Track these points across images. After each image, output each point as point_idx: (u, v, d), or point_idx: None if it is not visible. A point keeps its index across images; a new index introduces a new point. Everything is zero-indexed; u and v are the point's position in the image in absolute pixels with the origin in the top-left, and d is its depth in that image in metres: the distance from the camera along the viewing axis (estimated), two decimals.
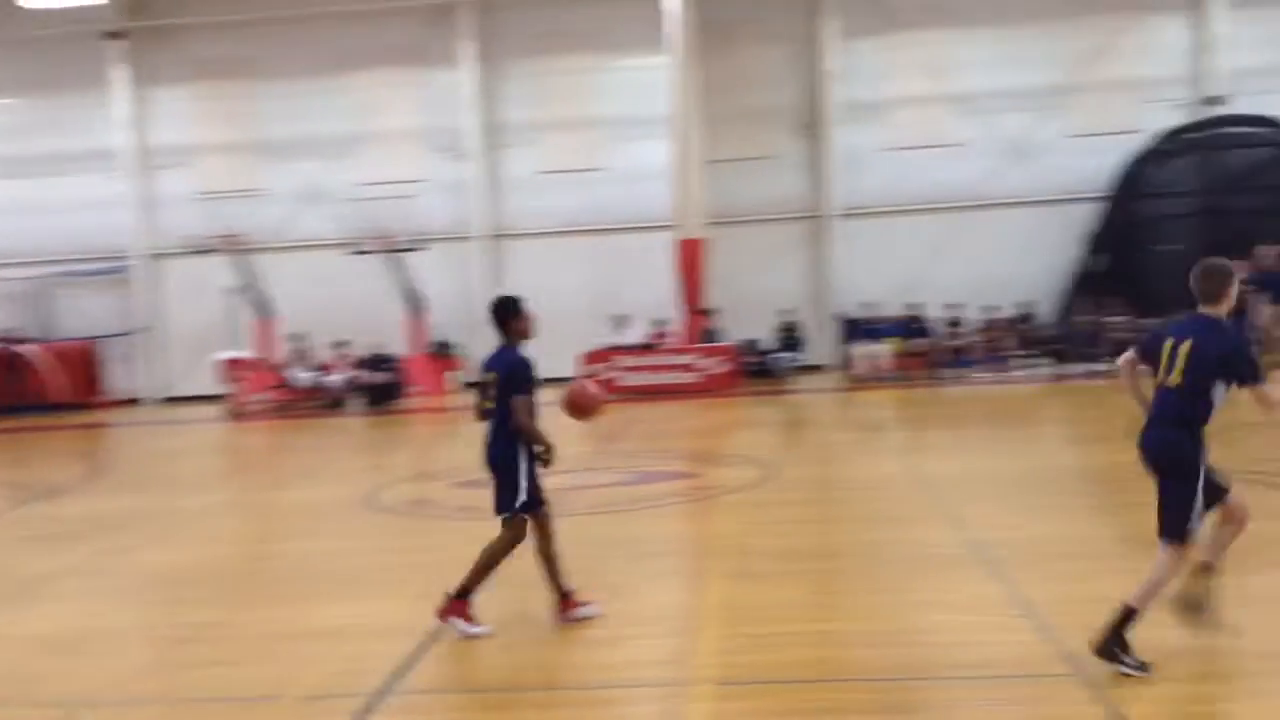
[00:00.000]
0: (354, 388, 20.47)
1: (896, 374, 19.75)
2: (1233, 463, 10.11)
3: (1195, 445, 5.19)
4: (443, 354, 21.90)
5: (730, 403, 18.46)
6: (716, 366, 19.65)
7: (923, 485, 9.99)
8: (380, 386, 20.37)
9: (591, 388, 6.55)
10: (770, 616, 6.28)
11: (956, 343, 20.11)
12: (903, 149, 22.38)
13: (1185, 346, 5.16)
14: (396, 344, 21.47)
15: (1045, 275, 21.54)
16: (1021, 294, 20.87)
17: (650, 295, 21.47)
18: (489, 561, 6.18)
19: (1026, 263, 21.65)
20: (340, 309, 22.08)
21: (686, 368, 19.68)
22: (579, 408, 6.37)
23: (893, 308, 21.18)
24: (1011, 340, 19.82)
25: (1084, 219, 21.49)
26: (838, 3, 22.38)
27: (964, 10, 22.13)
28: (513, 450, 6.12)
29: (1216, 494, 5.21)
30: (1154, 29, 21.92)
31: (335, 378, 20.52)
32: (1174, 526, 5.20)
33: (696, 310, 20.74)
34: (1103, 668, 5.08)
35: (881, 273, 22.11)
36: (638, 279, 22.05)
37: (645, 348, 20.23)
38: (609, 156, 23.24)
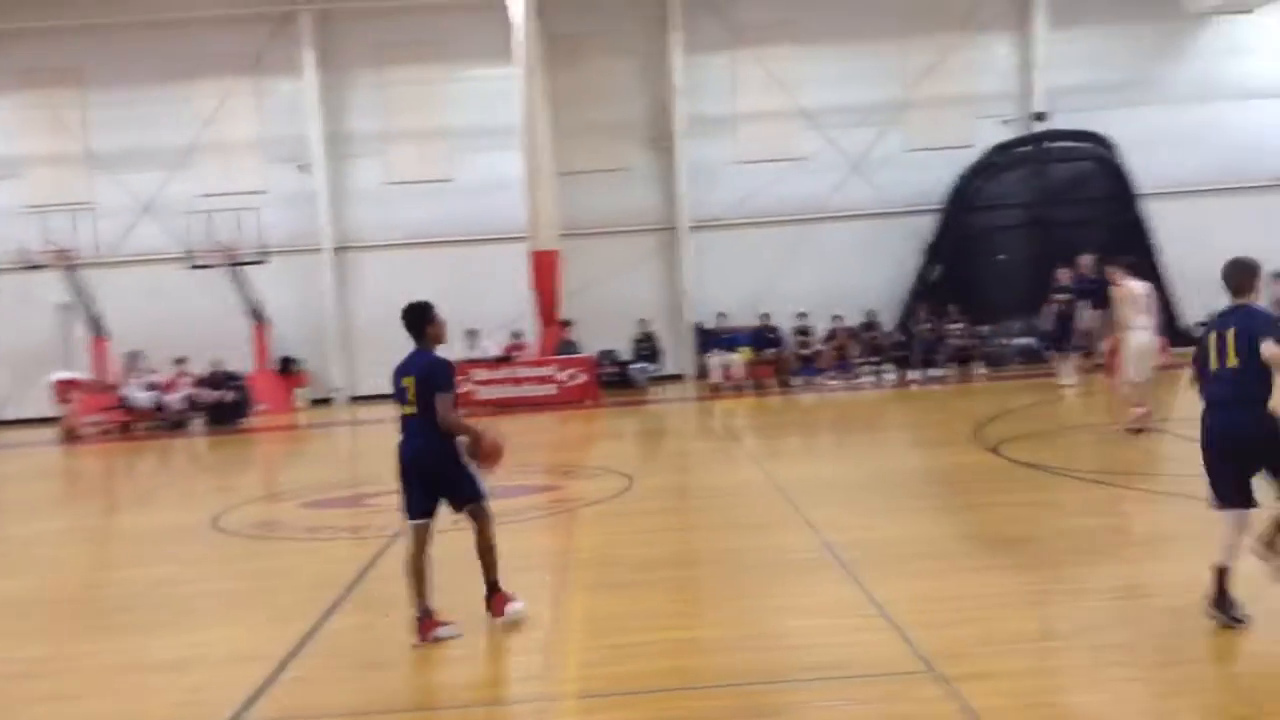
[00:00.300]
0: (195, 407, 19.69)
1: (750, 382, 20.10)
2: (1073, 462, 10.68)
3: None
4: (287, 370, 21.27)
5: (589, 414, 18.47)
6: (574, 378, 19.64)
7: (778, 491, 10.17)
8: (222, 405, 19.66)
9: (499, 439, 6.53)
10: (632, 626, 6.28)
11: (806, 351, 20.62)
12: (750, 162, 22.84)
13: (1231, 333, 5.68)
14: (239, 360, 20.76)
15: (888, 285, 22.29)
16: (866, 303, 21.54)
17: (505, 308, 21.34)
18: (490, 549, 6.43)
19: (870, 273, 22.36)
20: (180, 325, 21.23)
21: (544, 380, 19.61)
22: (491, 458, 6.42)
23: (745, 317, 21.56)
24: (858, 348, 20.44)
25: (922, 230, 22.32)
26: (684, 18, 22.69)
27: (807, 28, 22.72)
28: (448, 445, 6.29)
29: None
30: (983, 48, 22.94)
31: (175, 397, 19.70)
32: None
33: (552, 322, 20.69)
34: (954, 664, 5.25)
35: (734, 283, 22.50)
36: (491, 291, 21.88)
37: (501, 361, 20.07)
38: (459, 168, 23.02)
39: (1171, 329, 20.83)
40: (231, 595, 7.74)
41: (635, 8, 22.97)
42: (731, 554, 7.94)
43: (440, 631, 6.18)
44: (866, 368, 20.32)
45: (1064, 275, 17.25)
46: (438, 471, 6.30)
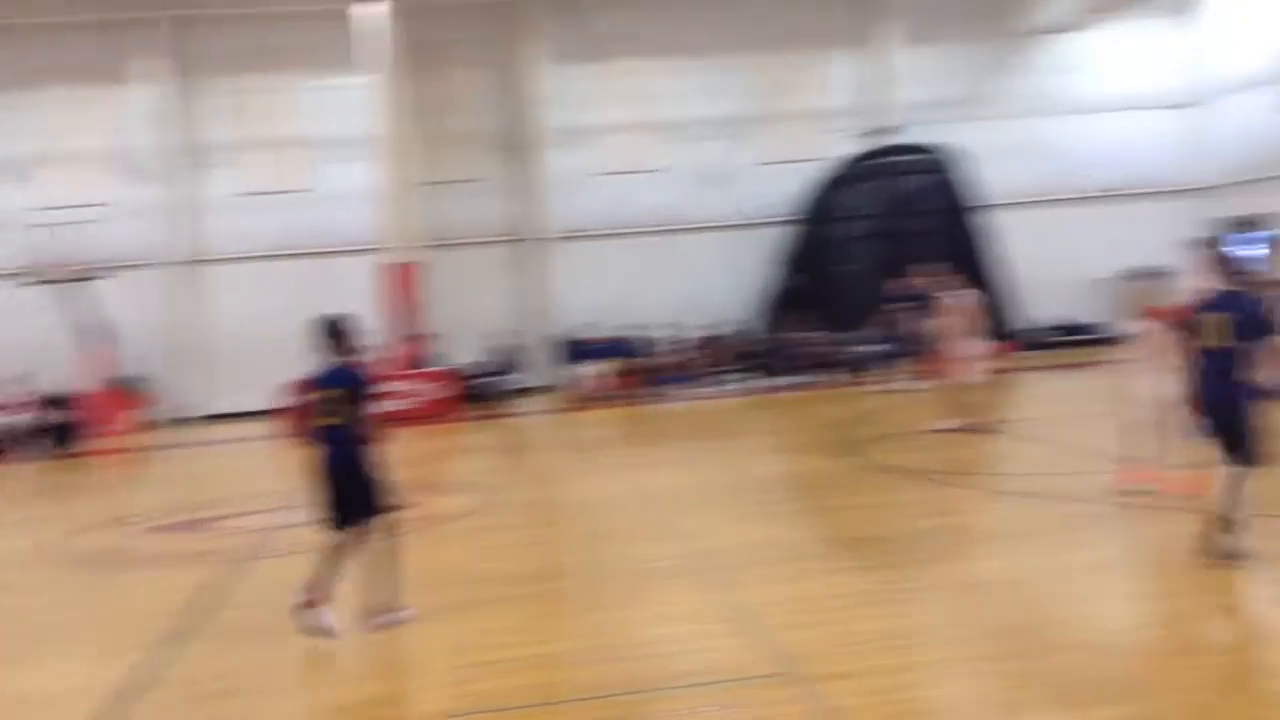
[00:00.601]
0: (30, 429, 18.69)
1: (616, 393, 20.16)
2: (922, 464, 11.01)
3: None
4: (130, 389, 20.39)
5: (451, 428, 18.24)
6: (435, 392, 19.35)
7: (643, 501, 10.22)
8: (60, 427, 18.71)
9: None
10: (497, 643, 6.22)
11: (671, 360, 20.78)
12: (611, 174, 22.96)
13: (1227, 318, 6.37)
14: (81, 380, 19.80)
15: (750, 294, 22.68)
16: (729, 312, 21.87)
17: (366, 321, 20.92)
18: (395, 564, 6.68)
19: (733, 282, 22.71)
20: (15, 344, 20.13)
21: (404, 394, 19.25)
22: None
23: (610, 328, 21.64)
24: (721, 357, 20.69)
25: (780, 241, 22.79)
26: (543, 29, 22.69)
27: (665, 42, 22.97)
28: (371, 454, 6.63)
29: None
30: (833, 63, 23.54)
31: (8, 419, 18.67)
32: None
33: (413, 335, 20.37)
34: (813, 665, 5.34)
35: (600, 294, 22.55)
36: (351, 304, 21.38)
37: None
38: (315, 178, 22.47)
39: (1011, 333, 21.85)
40: (68, 627, 7.36)
41: (496, 18, 22.86)
42: (595, 566, 7.94)
43: (325, 616, 6.36)
44: (731, 376, 20.60)
45: (901, 284, 17.98)
46: (363, 480, 6.54)
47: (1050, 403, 17.14)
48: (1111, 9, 20.81)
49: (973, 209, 22.39)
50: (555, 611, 7.02)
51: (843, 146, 23.17)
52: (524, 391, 20.99)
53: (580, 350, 20.91)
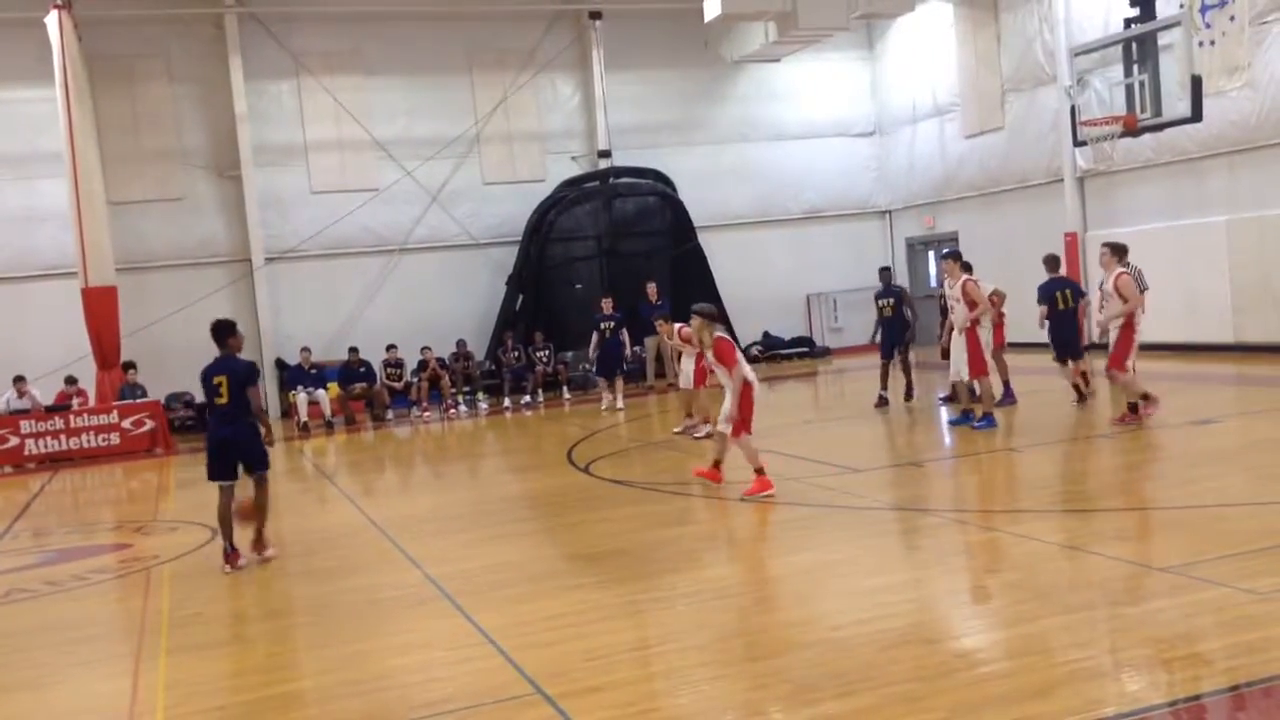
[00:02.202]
0: None
1: (340, 419, 19.54)
2: (653, 476, 11.31)
3: None
4: None
5: (160, 463, 17.08)
6: (140, 425, 18.07)
7: (376, 529, 9.97)
8: None
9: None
10: (226, 687, 5.90)
11: (398, 384, 20.35)
12: (326, 192, 22.25)
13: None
14: None
15: (476, 314, 22.60)
16: (456, 333, 21.64)
17: (56, 351, 19.29)
18: (265, 507, 8.89)
19: (458, 303, 22.55)
20: None
21: (105, 429, 17.87)
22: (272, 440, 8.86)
23: (332, 352, 20.95)
24: (450, 378, 20.47)
25: (505, 261, 22.85)
26: (242, 43, 21.60)
27: (373, 59, 22.46)
28: (253, 428, 8.69)
29: None
30: (549, 86, 23.86)
31: None
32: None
33: (112, 365, 18.95)
34: (560, 683, 5.40)
35: (317, 316, 21.81)
36: (40, 333, 19.73)
37: (54, 410, 18.06)
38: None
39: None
40: None
41: (189, 33, 21.60)
42: (330, 598, 7.67)
43: (241, 562, 8.65)
44: (460, 398, 20.44)
45: (606, 305, 18.71)
46: (245, 447, 8.63)
47: (767, 413, 18.08)
48: (804, 43, 22.23)
49: (691, 230, 23.29)
50: (289, 649, 6.74)
51: (562, 168, 23.56)
52: None
53: (300, 375, 20.09)
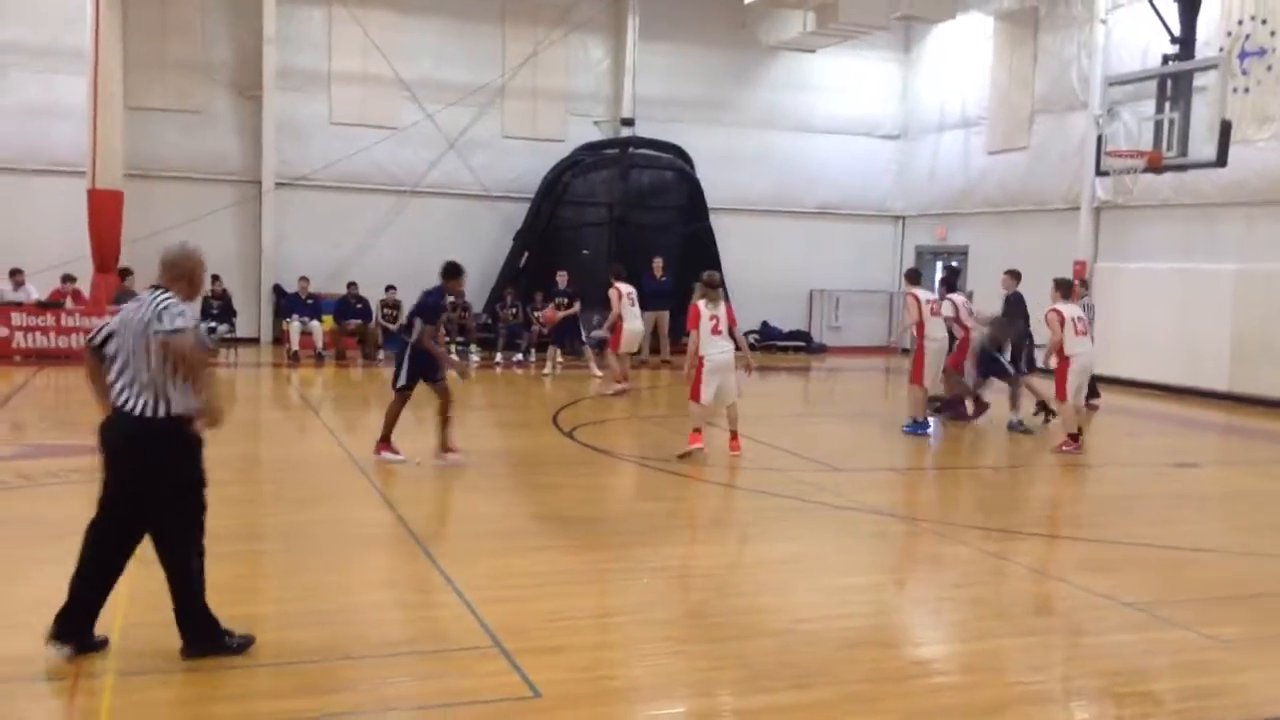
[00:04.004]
0: None
1: (332, 352, 19.51)
2: (638, 449, 11.32)
3: None
4: None
5: None
6: None
7: (354, 465, 9.98)
8: None
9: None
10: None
11: (392, 325, 20.29)
12: (345, 125, 22.10)
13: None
14: None
15: (478, 267, 22.38)
16: None
17: (55, 248, 19.18)
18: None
19: (461, 253, 21.87)
20: None
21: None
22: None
23: (331, 284, 20.89)
24: (445, 327, 20.38)
25: (514, 216, 22.76)
26: None
27: None
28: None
29: None
30: (579, 47, 23.70)
31: None
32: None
33: (110, 269, 18.89)
34: (518, 639, 5.42)
35: (320, 248, 21.71)
36: (41, 228, 19.61)
37: (46, 306, 18.01)
38: (10, 88, 20.25)
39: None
40: None
41: None
42: (300, 528, 7.69)
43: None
44: (453, 347, 20.37)
45: (562, 279, 18.95)
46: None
47: (759, 401, 18.11)
48: (841, 36, 22.14)
49: (705, 210, 23.22)
50: (255, 573, 6.77)
51: (584, 131, 23.43)
52: (233, 341, 19.92)
53: (296, 304, 20.05)
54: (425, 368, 9.93)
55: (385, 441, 10.06)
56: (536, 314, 20.21)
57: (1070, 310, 12.27)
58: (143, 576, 6.32)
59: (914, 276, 13.80)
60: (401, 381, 9.95)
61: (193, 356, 4.99)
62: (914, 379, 13.07)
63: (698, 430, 10.64)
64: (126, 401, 4.97)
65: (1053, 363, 12.21)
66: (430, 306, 10.05)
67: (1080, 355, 12.12)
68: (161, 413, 4.95)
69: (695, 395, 10.58)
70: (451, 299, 10.14)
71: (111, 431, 5.07)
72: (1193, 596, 6.64)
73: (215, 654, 5.07)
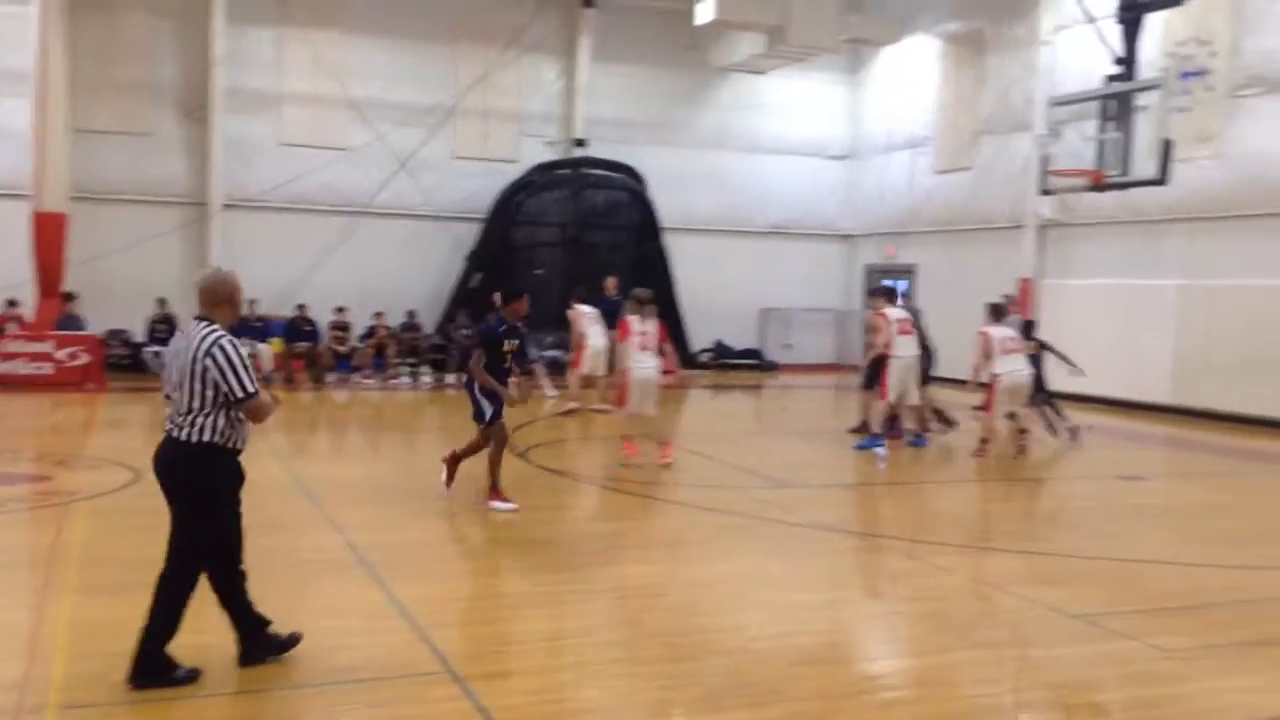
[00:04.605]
0: None
1: (280, 375, 19.30)
2: (589, 470, 11.28)
3: None
4: None
5: (92, 398, 16.78)
6: (75, 358, 17.73)
7: (302, 490, 9.86)
8: None
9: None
10: (131, 631, 5.76)
11: (342, 347, 20.15)
12: (294, 145, 21.94)
13: None
14: None
15: (430, 287, 22.40)
16: (407, 303, 21.47)
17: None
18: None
19: (413, 273, 22.34)
20: None
21: (39, 357, 17.52)
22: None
23: (279, 307, 20.68)
24: (396, 348, 20.31)
25: (466, 237, 22.69)
26: None
27: (358, 17, 22.18)
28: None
29: None
30: (532, 68, 23.71)
31: None
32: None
33: (54, 294, 18.58)
34: (470, 664, 5.38)
35: (268, 269, 21.35)
36: None
37: None
38: None
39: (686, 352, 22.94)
40: None
41: None
42: (248, 555, 7.53)
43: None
44: (404, 368, 20.28)
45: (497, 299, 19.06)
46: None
47: (710, 419, 18.16)
48: (790, 58, 22.37)
49: (657, 230, 23.31)
50: (200, 601, 6.61)
51: (536, 152, 23.45)
52: None
53: (244, 327, 19.75)
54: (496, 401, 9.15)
55: (495, 490, 9.12)
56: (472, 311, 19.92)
57: (999, 332, 12.53)
58: (84, 606, 6.22)
59: (887, 294, 13.80)
60: (489, 415, 9.05)
61: (265, 414, 5.23)
62: (879, 393, 13.00)
63: (631, 438, 11.19)
64: (170, 426, 5.12)
65: (982, 375, 12.52)
66: (486, 333, 9.37)
67: (1006, 375, 12.33)
68: (195, 438, 5.05)
69: (621, 402, 11.09)
70: (508, 325, 9.19)
71: (156, 456, 5.23)
72: (1139, 608, 6.73)
73: (158, 686, 4.98)
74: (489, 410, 8.97)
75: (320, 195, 22.11)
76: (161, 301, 19.90)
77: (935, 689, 5.38)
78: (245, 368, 5.03)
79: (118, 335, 20.01)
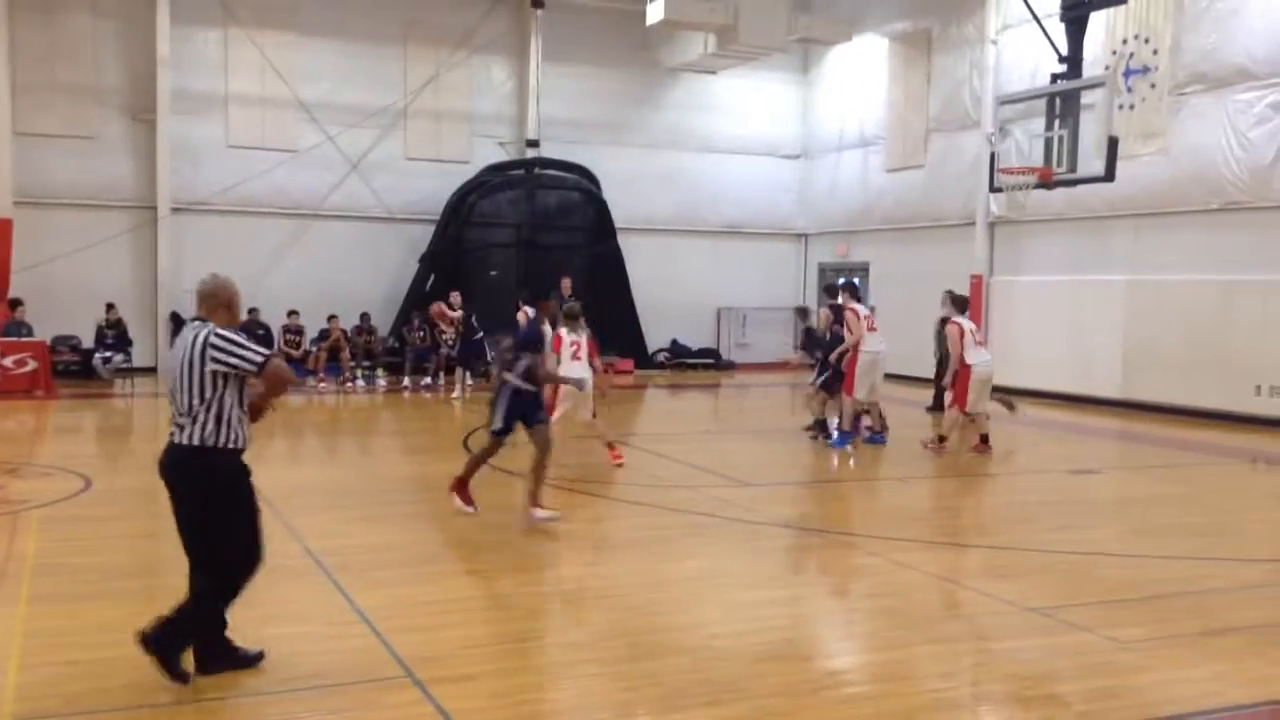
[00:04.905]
0: None
1: None
2: (555, 473, 11.24)
3: None
4: None
5: (41, 406, 16.48)
6: (22, 365, 17.40)
7: (260, 496, 9.71)
8: None
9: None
10: (88, 642, 5.71)
11: (296, 351, 19.95)
12: (242, 148, 21.70)
13: None
14: None
15: (384, 289, 22.25)
16: (361, 306, 21.32)
17: None
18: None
19: (366, 276, 22.18)
20: None
21: None
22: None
23: None
24: (350, 351, 20.14)
25: (419, 238, 22.55)
26: None
27: (306, 18, 21.97)
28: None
29: None
30: (483, 68, 23.61)
31: None
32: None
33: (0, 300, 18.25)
34: (432, 668, 5.34)
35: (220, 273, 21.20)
36: None
37: None
38: None
39: (636, 352, 22.99)
40: None
41: None
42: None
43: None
44: (359, 372, 20.12)
45: (455, 298, 19.35)
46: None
47: (668, 419, 18.19)
48: (741, 58, 22.47)
49: (612, 231, 23.30)
50: (156, 610, 6.51)
51: (488, 153, 23.36)
52: (129, 371, 19.36)
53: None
54: (526, 410, 8.92)
55: (462, 485, 9.04)
56: (425, 314, 19.94)
57: (967, 323, 12.66)
58: (38, 615, 6.11)
59: (851, 290, 14.03)
60: (498, 425, 8.84)
61: (286, 376, 5.25)
62: (845, 390, 13.17)
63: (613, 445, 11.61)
64: (174, 431, 5.11)
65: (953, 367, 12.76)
66: (530, 335, 9.31)
67: (979, 365, 12.50)
68: (199, 440, 5.06)
69: (550, 410, 11.15)
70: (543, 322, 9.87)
71: (162, 462, 5.21)
72: (1094, 600, 6.83)
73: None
74: (501, 419, 8.81)
75: (270, 198, 21.88)
76: (110, 307, 19.59)
77: (895, 684, 5.43)
78: (246, 344, 5.10)
79: (66, 341, 19.68)
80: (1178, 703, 5.21)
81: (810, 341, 14.49)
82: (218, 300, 5.29)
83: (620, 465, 11.39)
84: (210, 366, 4.99)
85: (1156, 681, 5.48)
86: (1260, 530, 9.39)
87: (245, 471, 5.30)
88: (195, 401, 5.02)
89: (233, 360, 5.00)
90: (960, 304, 13.21)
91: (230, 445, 5.13)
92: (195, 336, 5.09)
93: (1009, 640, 6.11)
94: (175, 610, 5.13)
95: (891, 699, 5.19)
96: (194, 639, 5.16)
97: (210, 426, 5.04)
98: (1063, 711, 5.10)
